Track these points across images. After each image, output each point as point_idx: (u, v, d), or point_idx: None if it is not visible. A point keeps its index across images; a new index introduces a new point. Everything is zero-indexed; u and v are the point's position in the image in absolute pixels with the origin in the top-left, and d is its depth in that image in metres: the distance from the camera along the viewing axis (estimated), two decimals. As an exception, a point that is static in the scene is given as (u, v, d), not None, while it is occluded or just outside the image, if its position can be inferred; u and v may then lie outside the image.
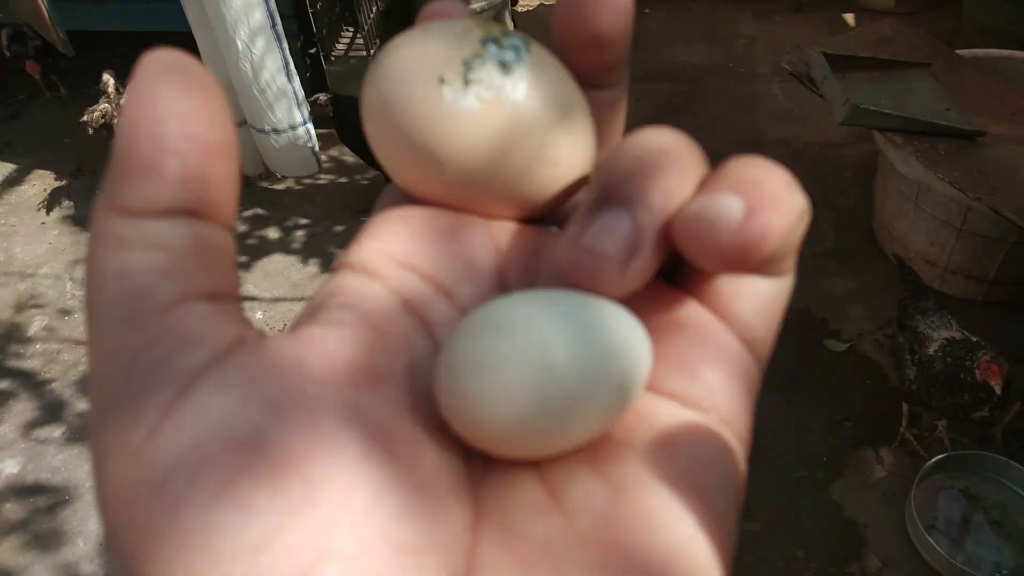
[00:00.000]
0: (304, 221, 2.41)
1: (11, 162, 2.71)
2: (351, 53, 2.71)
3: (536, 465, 0.17)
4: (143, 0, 2.64)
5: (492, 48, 0.19)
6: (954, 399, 1.48)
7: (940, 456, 1.61)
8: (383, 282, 0.18)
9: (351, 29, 2.77)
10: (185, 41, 2.08)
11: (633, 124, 0.20)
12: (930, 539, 1.50)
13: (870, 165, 2.23)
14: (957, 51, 2.10)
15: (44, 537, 1.65)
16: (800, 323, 1.98)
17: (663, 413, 0.17)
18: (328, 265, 2.23)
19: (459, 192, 0.20)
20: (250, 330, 0.16)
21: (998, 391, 1.41)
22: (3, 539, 1.64)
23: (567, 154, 0.20)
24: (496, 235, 0.20)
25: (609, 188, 0.17)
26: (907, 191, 1.98)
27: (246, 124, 2.40)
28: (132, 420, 0.14)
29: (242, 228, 2.35)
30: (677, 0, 3.41)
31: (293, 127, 2.40)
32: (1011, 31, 2.54)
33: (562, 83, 0.20)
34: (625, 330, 0.17)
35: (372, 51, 2.63)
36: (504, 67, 0.19)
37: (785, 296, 0.19)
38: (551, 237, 0.21)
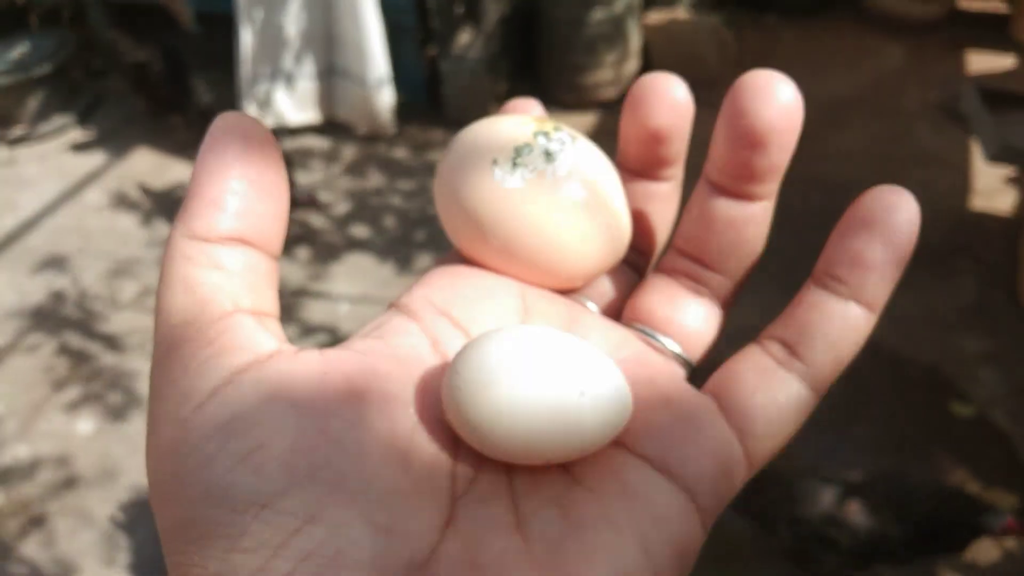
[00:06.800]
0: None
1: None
2: (470, 54, 2.63)
3: (511, 492, 0.20)
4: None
5: (541, 139, 0.23)
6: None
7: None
8: (419, 323, 0.22)
9: (470, 28, 2.71)
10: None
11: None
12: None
13: (1021, 216, 2.00)
14: None
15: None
16: (926, 382, 1.76)
17: (631, 470, 0.20)
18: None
19: (501, 258, 0.23)
20: (284, 344, 0.21)
21: None
22: (80, 490, 1.66)
23: (599, 234, 0.23)
24: (528, 299, 0.24)
25: None
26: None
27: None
28: (184, 398, 0.19)
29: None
30: (813, 21, 3.18)
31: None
32: None
33: (601, 172, 0.24)
34: (607, 378, 0.20)
35: (489, 51, 2.57)
36: (548, 155, 0.23)
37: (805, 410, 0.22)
38: (581, 309, 0.25)
